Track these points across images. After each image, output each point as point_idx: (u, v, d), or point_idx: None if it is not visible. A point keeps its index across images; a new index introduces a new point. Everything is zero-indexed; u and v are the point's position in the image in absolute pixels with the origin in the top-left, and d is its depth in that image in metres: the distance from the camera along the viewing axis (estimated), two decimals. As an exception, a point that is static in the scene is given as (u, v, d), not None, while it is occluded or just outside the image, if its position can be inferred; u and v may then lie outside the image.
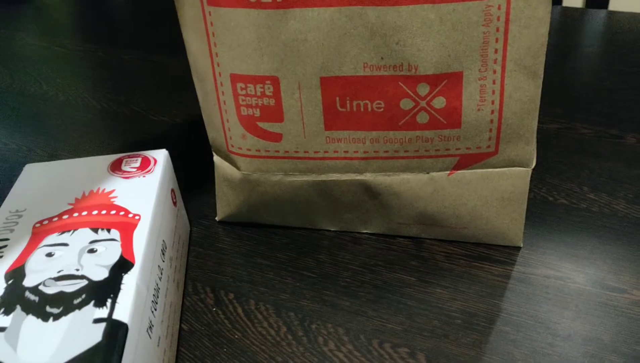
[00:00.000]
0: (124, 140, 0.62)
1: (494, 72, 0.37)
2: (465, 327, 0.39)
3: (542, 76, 0.37)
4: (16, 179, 0.42)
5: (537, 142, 0.40)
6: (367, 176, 0.42)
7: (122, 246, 0.35)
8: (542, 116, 0.59)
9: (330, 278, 0.43)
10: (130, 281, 0.32)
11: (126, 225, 0.37)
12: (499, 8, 0.35)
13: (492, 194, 0.42)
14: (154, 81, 0.73)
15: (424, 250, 0.45)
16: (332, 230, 0.47)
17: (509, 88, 0.38)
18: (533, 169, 0.41)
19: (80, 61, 0.82)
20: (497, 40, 0.36)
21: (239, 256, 0.46)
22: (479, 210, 0.43)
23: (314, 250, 0.46)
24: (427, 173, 0.42)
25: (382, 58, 0.37)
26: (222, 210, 0.47)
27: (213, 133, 0.44)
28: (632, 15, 0.82)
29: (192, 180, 0.54)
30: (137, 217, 0.37)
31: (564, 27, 0.81)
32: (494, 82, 0.38)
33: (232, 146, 0.43)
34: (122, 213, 0.38)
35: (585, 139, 0.56)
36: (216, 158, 0.46)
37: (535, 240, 0.45)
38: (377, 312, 0.40)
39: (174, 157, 0.56)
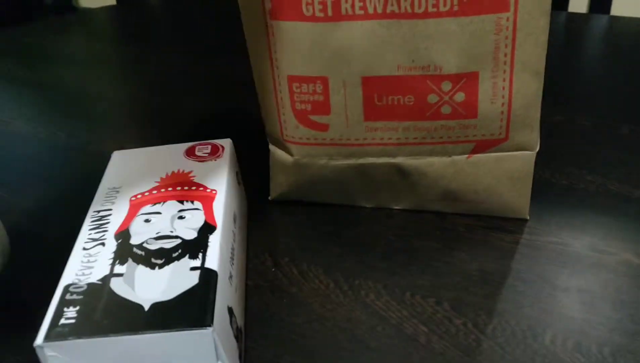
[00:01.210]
0: (191, 132, 0.71)
1: (504, 72, 0.46)
2: (482, 282, 0.47)
3: (543, 74, 0.46)
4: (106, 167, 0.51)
5: (542, 131, 0.48)
6: (399, 160, 0.51)
7: (205, 214, 0.43)
8: (547, 110, 0.67)
9: (368, 246, 0.52)
10: (215, 240, 0.41)
11: (206, 198, 0.45)
12: (507, 20, 0.43)
13: (504, 174, 0.50)
14: (212, 82, 0.82)
15: (447, 222, 0.53)
16: (368, 206, 0.55)
17: (517, 85, 0.46)
18: (538, 153, 0.49)
19: (134, 63, 0.91)
20: (506, 46, 0.45)
21: (290, 228, 0.54)
22: (493, 188, 0.51)
23: (353, 223, 0.54)
24: (450, 156, 0.50)
25: (413, 61, 0.46)
26: (275, 190, 0.56)
27: (270, 125, 0.53)
28: (632, 20, 0.90)
29: (250, 166, 0.62)
30: (214, 191, 0.46)
31: (569, 31, 0.89)
32: (504, 80, 0.46)
33: (287, 135, 0.51)
34: (201, 188, 0.46)
35: (584, 129, 0.64)
36: (271, 146, 0.54)
37: (540, 213, 0.53)
38: (409, 272, 0.49)
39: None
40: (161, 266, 0.39)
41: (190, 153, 0.50)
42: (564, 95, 0.72)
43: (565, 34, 0.89)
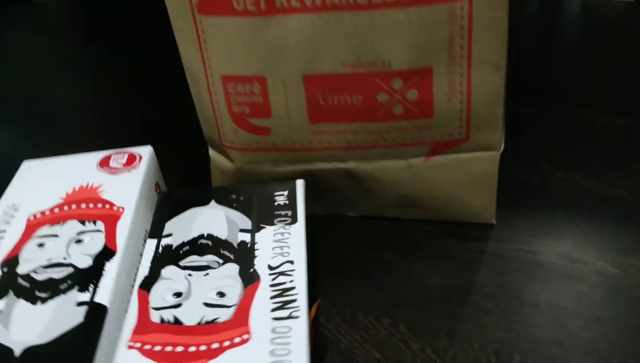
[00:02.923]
0: (124, 136, 0.66)
1: (461, 66, 0.41)
2: (442, 298, 0.43)
3: (505, 68, 0.41)
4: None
5: (511, 125, 0.44)
6: (350, 164, 0.46)
7: (106, 236, 0.39)
8: (517, 101, 0.63)
9: (320, 257, 0.47)
10: (112, 268, 0.36)
11: (110, 217, 0.40)
12: (462, 9, 0.39)
13: (465, 176, 0.46)
14: (153, 78, 0.77)
15: (405, 230, 0.49)
16: (321, 214, 0.51)
17: (475, 80, 0.41)
18: (506, 149, 0.45)
19: (78, 61, 0.86)
20: (462, 38, 0.40)
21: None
22: (454, 192, 0.46)
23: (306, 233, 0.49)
24: (405, 160, 0.45)
25: (358, 56, 0.41)
26: (219, 199, 0.51)
27: (207, 129, 0.48)
28: (606, 3, 0.86)
29: (193, 170, 0.57)
30: (120, 209, 0.41)
31: (542, 15, 0.84)
32: (461, 76, 0.41)
33: (225, 140, 0.47)
34: (107, 206, 0.41)
35: (557, 121, 0.60)
36: (211, 151, 0.50)
37: (508, 218, 0.49)
38: (362, 287, 0.44)
39: (176, 150, 0.60)
40: (45, 300, 0.34)
41: (104, 163, 0.45)
42: (535, 84, 0.67)
43: (538, 18, 0.84)
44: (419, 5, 0.39)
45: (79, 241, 0.38)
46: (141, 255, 0.40)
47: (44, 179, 0.45)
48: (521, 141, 0.57)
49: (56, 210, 0.41)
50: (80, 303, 0.34)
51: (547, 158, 0.55)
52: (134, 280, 0.38)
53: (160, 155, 0.49)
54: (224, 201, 0.42)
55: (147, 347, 0.32)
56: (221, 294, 0.35)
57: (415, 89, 0.42)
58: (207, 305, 0.34)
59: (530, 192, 0.51)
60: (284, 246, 0.38)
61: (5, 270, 0.37)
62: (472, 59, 0.41)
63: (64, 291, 0.35)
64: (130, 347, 0.32)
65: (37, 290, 0.35)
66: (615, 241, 0.46)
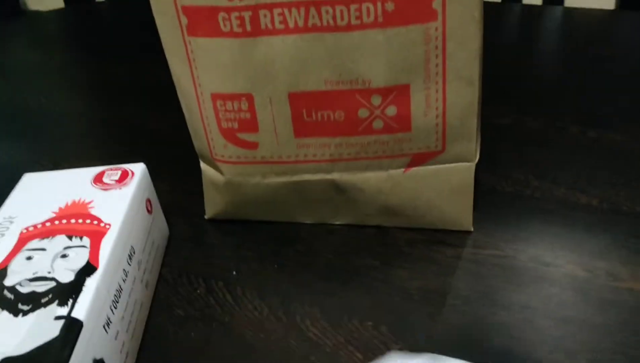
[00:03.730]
0: (121, 147, 0.68)
1: (436, 83, 0.43)
2: (421, 301, 0.45)
3: (478, 82, 0.44)
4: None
5: (487, 135, 0.46)
6: (335, 176, 0.49)
7: (90, 252, 0.40)
8: (494, 112, 0.66)
9: (307, 265, 0.49)
10: (91, 284, 0.38)
11: (96, 233, 0.42)
12: (436, 30, 0.41)
13: (443, 186, 0.48)
14: (150, 90, 0.80)
15: (388, 237, 0.51)
16: (308, 222, 0.53)
17: (450, 96, 0.44)
18: (482, 160, 0.47)
19: (75, 72, 0.88)
20: (437, 56, 0.42)
21: (226, 249, 0.52)
22: (433, 201, 0.49)
23: (292, 241, 0.52)
24: (386, 171, 0.48)
25: (340, 75, 0.43)
26: (210, 209, 0.54)
27: (198, 143, 0.50)
28: (586, 12, 0.89)
29: (186, 183, 0.60)
30: (107, 226, 0.42)
31: (522, 25, 0.87)
32: (437, 92, 0.44)
33: (216, 154, 0.49)
34: (95, 222, 0.43)
35: (532, 131, 0.63)
36: (202, 165, 0.52)
37: (484, 224, 0.51)
38: (347, 293, 0.47)
39: (171, 161, 0.62)
40: (26, 313, 0.36)
41: (97, 179, 0.47)
42: (513, 95, 0.70)
43: (519, 28, 0.87)
44: (396, 27, 0.41)
45: (64, 256, 0.40)
46: (124, 270, 0.42)
47: (41, 193, 0.46)
48: (496, 151, 0.59)
49: (47, 224, 0.43)
50: (58, 317, 0.35)
51: (522, 167, 0.57)
52: (116, 295, 0.40)
53: (156, 166, 0.51)
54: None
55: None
56: None
57: (393, 105, 0.44)
58: None
59: (505, 200, 0.54)
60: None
61: None
62: (447, 75, 0.43)
63: (45, 304, 0.36)
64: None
65: (20, 303, 0.36)
66: (585, 246, 0.48)
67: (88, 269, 0.39)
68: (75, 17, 1.11)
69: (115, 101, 0.79)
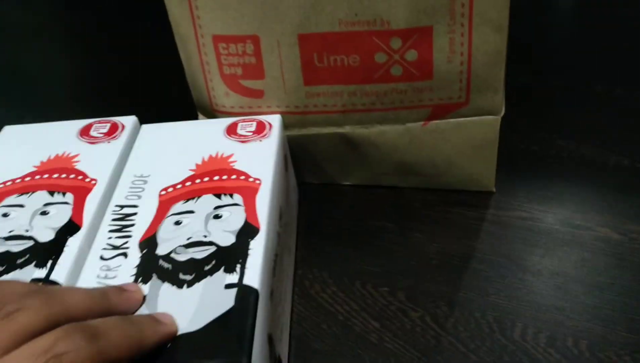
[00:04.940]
0: (111, 105, 0.64)
1: (462, 25, 0.39)
2: (441, 266, 0.42)
3: (507, 28, 0.40)
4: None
5: (508, 93, 0.42)
6: (347, 129, 0.44)
7: (74, 209, 0.36)
8: (513, 69, 0.61)
9: (315, 226, 0.46)
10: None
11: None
12: (464, -35, 0.37)
13: (465, 142, 0.44)
14: (140, 46, 0.75)
15: (403, 198, 0.47)
16: (316, 183, 0.49)
17: (476, 41, 0.40)
18: (504, 118, 0.43)
19: (64, 30, 0.83)
20: (464, -5, 0.38)
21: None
22: (453, 158, 0.45)
23: (299, 203, 0.48)
24: (403, 124, 0.44)
25: (356, 14, 0.39)
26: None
27: (197, 93, 0.46)
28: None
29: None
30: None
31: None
32: (462, 35, 0.40)
33: (216, 104, 0.45)
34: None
35: (555, 90, 0.59)
36: (201, 118, 0.48)
37: (507, 185, 0.47)
38: (359, 257, 0.43)
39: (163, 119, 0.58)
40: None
41: (84, 132, 0.43)
42: (532, 52, 0.66)
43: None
44: (420, -40, 0.37)
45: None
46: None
47: (21, 146, 0.42)
48: (519, 109, 0.55)
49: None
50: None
51: (546, 126, 0.53)
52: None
53: (149, 121, 0.47)
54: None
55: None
56: None
57: (414, 49, 0.40)
58: None
59: (529, 160, 0.50)
60: None
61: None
62: (474, 18, 0.39)
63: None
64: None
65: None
66: (617, 208, 0.45)
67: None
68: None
69: (104, 57, 0.74)
